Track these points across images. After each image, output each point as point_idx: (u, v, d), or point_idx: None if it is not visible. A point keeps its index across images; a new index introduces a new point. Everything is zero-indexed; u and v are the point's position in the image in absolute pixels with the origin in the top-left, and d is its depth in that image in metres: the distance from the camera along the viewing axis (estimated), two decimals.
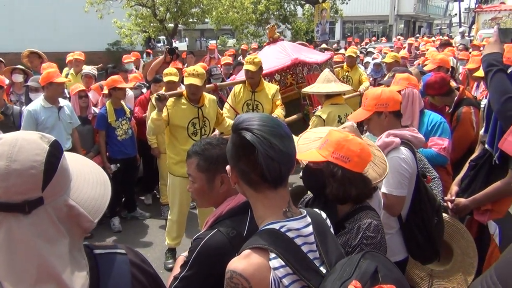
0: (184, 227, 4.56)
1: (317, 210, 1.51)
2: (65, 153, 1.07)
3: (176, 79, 4.96)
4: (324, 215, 1.51)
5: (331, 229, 1.50)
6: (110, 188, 1.15)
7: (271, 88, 5.15)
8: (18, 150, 0.96)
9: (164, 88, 5.01)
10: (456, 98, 3.92)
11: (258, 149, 1.27)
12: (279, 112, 4.90)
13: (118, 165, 5.26)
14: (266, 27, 6.56)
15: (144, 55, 9.72)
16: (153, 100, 5.01)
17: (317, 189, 2.02)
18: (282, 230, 1.31)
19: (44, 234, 0.97)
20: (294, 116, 5.41)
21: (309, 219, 1.39)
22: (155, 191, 6.40)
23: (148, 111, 5.18)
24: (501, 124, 2.46)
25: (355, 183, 1.88)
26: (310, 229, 1.36)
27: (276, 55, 5.86)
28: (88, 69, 6.69)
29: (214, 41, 35.05)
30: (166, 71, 5.09)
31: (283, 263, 1.26)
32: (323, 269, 1.33)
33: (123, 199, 5.80)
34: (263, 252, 1.28)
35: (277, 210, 1.36)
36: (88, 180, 1.12)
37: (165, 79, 4.93)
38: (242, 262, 1.28)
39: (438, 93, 3.92)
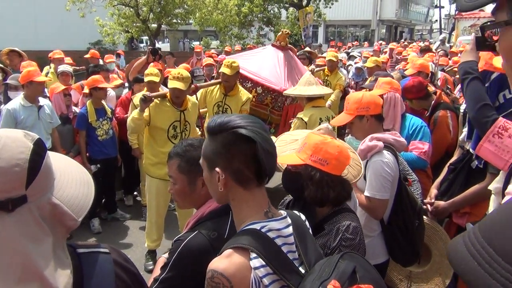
0: (162, 228, 4.54)
1: (296, 212, 1.53)
2: (49, 153, 1.06)
3: (157, 79, 4.93)
4: (303, 217, 1.53)
5: (310, 231, 1.52)
6: (93, 188, 1.15)
7: (243, 95, 5.09)
8: (2, 147, 0.95)
9: (145, 88, 4.97)
10: (433, 102, 3.99)
11: (258, 143, 1.29)
12: None
13: (99, 165, 5.20)
14: (282, 30, 6.27)
15: (115, 56, 9.60)
16: (134, 100, 4.99)
17: (296, 191, 2.04)
18: (263, 230, 1.32)
19: (27, 232, 0.96)
20: None
21: (289, 220, 1.40)
22: (135, 192, 6.35)
23: (130, 111, 5.14)
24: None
25: (333, 186, 1.89)
26: (290, 230, 1.38)
27: (274, 70, 5.63)
28: (63, 67, 6.60)
29: (197, 42, 35.01)
30: (147, 71, 5.06)
31: (264, 263, 1.27)
32: (302, 270, 1.35)
33: (103, 200, 5.73)
34: (244, 252, 1.29)
35: (260, 210, 1.37)
36: (72, 179, 1.12)
37: (146, 79, 4.90)
38: (223, 261, 1.28)
39: (415, 97, 3.99)
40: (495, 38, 1.17)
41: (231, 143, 1.32)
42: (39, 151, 0.99)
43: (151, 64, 5.87)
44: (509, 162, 1.86)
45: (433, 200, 3.02)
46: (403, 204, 2.56)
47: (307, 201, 1.94)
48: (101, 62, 8.78)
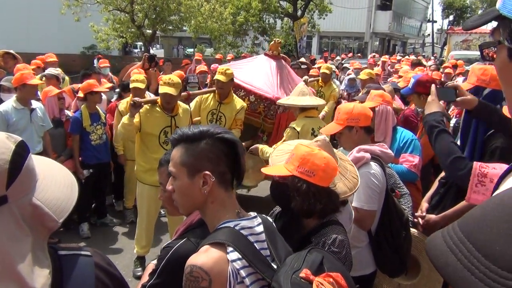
0: (152, 235, 4.53)
1: (263, 215, 1.61)
2: (33, 155, 1.08)
3: (142, 86, 4.95)
4: (270, 219, 1.62)
5: (277, 232, 1.60)
6: (77, 190, 1.16)
7: (238, 103, 5.10)
8: None
9: (131, 94, 4.99)
10: None
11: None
12: (235, 132, 4.79)
13: (91, 170, 5.18)
14: (274, 39, 6.34)
15: (95, 60, 9.55)
16: (119, 106, 5.00)
17: (283, 202, 2.05)
18: (237, 228, 1.41)
19: (7, 232, 0.97)
20: (249, 142, 5.28)
21: (259, 219, 1.50)
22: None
23: (115, 118, 5.17)
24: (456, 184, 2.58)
25: (319, 198, 1.89)
26: (261, 228, 1.47)
27: (266, 79, 5.66)
28: (49, 70, 6.59)
29: (191, 49, 35.09)
30: (133, 77, 5.08)
31: (240, 256, 1.35)
32: (274, 265, 1.43)
33: (93, 205, 5.71)
34: (221, 246, 1.36)
35: (233, 210, 1.49)
36: (55, 181, 1.13)
37: (131, 85, 4.93)
38: (202, 256, 1.35)
39: (427, 92, 4.01)
40: (492, 54, 1.22)
41: (217, 147, 1.44)
42: (21, 152, 1.01)
43: (136, 70, 5.91)
44: None
45: (424, 214, 3.04)
46: (391, 215, 2.58)
47: (294, 212, 1.96)
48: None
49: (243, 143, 5.23)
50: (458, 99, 2.48)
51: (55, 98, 5.30)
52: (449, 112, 5.48)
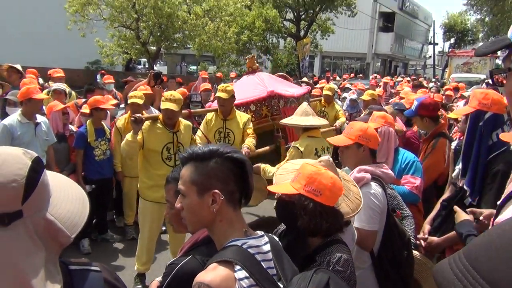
0: (153, 252, 4.52)
1: (270, 234, 1.62)
2: (47, 171, 1.11)
3: (140, 101, 5.00)
4: (276, 238, 1.63)
5: (284, 251, 1.61)
6: (88, 206, 1.19)
7: (242, 117, 5.17)
8: (2, 163, 1.00)
9: (129, 110, 5.04)
10: (434, 128, 4.08)
11: (247, 167, 1.48)
12: (250, 142, 4.83)
13: (94, 186, 5.20)
14: (246, 57, 6.62)
15: (98, 75, 9.61)
16: (117, 123, 5.04)
17: (289, 221, 2.05)
18: (244, 246, 1.42)
19: (21, 246, 1.00)
20: (267, 148, 5.44)
21: (266, 239, 1.51)
22: None
23: (113, 135, 5.22)
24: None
25: (326, 217, 1.91)
26: (268, 247, 1.48)
27: (254, 86, 5.91)
28: (57, 85, 6.66)
29: (194, 67, 35.33)
30: (131, 93, 5.14)
31: (247, 275, 1.36)
32: (280, 285, 1.44)
33: (94, 221, 5.71)
34: (229, 264, 1.37)
35: (240, 229, 1.50)
36: (68, 197, 1.16)
37: (129, 101, 4.98)
38: (209, 274, 1.36)
39: (429, 115, 4.07)
40: (502, 80, 1.28)
41: (227, 167, 1.47)
42: (36, 168, 1.04)
43: (142, 87, 5.98)
44: None
45: (426, 236, 3.04)
46: (392, 236, 2.59)
47: (300, 231, 1.96)
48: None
49: (267, 148, 5.39)
50: (481, 217, 2.53)
51: (60, 113, 5.35)
52: (451, 134, 5.52)
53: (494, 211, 2.55)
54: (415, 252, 2.86)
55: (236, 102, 5.25)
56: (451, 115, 4.47)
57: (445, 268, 0.82)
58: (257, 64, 6.43)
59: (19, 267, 0.98)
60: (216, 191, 1.44)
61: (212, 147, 1.49)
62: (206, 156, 1.47)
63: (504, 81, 1.22)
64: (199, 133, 5.21)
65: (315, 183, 1.90)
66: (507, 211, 1.17)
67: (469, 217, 2.52)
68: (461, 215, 2.54)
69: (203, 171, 1.46)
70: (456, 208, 2.67)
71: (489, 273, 0.75)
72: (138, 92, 5.16)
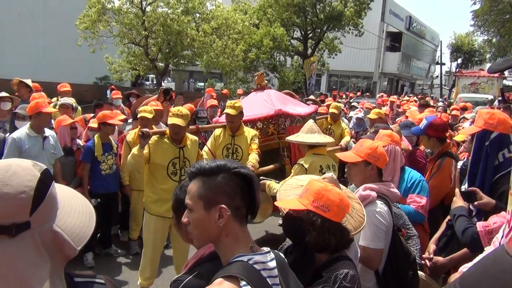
0: (157, 267, 4.49)
1: (275, 251, 1.61)
2: (55, 184, 1.12)
3: (150, 116, 5.03)
4: (282, 255, 1.61)
5: (289, 268, 1.60)
6: (94, 219, 1.20)
7: (250, 132, 5.20)
8: (11, 175, 1.01)
9: (139, 125, 5.07)
10: (440, 148, 4.07)
11: (254, 182, 1.48)
12: (253, 158, 4.81)
13: (99, 200, 5.21)
14: (255, 74, 6.66)
15: (108, 91, 9.67)
16: (127, 137, 5.07)
17: (297, 237, 2.04)
18: (250, 262, 1.41)
19: (27, 257, 1.00)
20: (271, 166, 5.45)
21: (272, 255, 1.50)
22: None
23: (123, 149, 5.24)
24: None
25: (334, 233, 1.93)
26: (273, 263, 1.46)
27: (261, 103, 5.94)
28: (64, 99, 6.74)
29: (202, 83, 35.61)
30: (141, 108, 5.18)
31: None
32: None
33: (98, 235, 5.71)
34: (234, 280, 1.35)
35: (246, 245, 1.49)
36: (75, 210, 1.17)
37: (139, 115, 5.01)
38: None
39: (437, 136, 4.06)
40: None
41: (234, 182, 1.47)
42: (45, 180, 1.06)
43: (153, 102, 6.03)
44: None
45: (431, 256, 3.02)
46: (398, 255, 2.57)
47: (308, 247, 1.96)
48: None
49: (271, 166, 5.39)
50: (476, 202, 2.83)
51: (68, 128, 5.40)
52: (457, 153, 5.50)
53: (493, 201, 2.76)
54: (420, 273, 2.83)
55: (243, 118, 5.28)
56: (457, 137, 4.47)
57: None
58: (266, 81, 6.47)
59: (24, 278, 0.99)
60: (223, 206, 1.44)
61: (220, 163, 1.49)
62: (214, 171, 1.47)
63: None
64: (205, 148, 5.23)
65: (323, 199, 1.91)
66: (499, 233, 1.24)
67: (465, 204, 2.83)
68: (458, 202, 2.83)
69: (210, 186, 1.46)
70: (457, 192, 2.93)
71: None
72: (148, 107, 5.19)
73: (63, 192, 1.19)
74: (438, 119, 4.26)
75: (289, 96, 6.95)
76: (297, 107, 6.30)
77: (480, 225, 2.41)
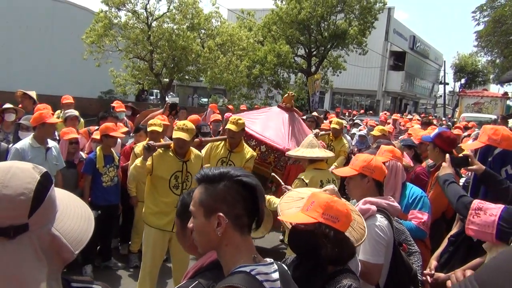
0: (156, 280, 4.45)
1: (278, 262, 1.58)
2: (55, 188, 1.12)
3: (159, 129, 5.02)
4: (285, 267, 1.58)
5: (292, 280, 1.57)
6: (93, 224, 1.20)
7: (248, 152, 5.17)
8: (11, 177, 1.01)
9: (147, 138, 5.07)
10: (442, 161, 4.06)
11: (257, 192, 1.44)
12: None
13: (99, 212, 5.20)
14: (289, 92, 6.50)
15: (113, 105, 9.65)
16: (135, 149, 5.08)
17: (307, 250, 2.00)
18: (253, 273, 1.38)
19: (25, 260, 1.00)
20: None
21: (276, 266, 1.47)
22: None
23: (131, 160, 5.24)
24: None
25: (345, 243, 1.93)
26: (276, 275, 1.43)
27: (277, 129, 5.78)
28: (70, 111, 6.78)
29: (206, 99, 35.79)
30: (150, 121, 5.18)
31: None
32: None
33: (98, 247, 5.68)
34: None
35: (249, 255, 1.46)
36: (74, 214, 1.17)
37: (149, 129, 5.00)
38: None
39: (444, 148, 4.05)
40: None
41: (235, 190, 1.44)
42: (45, 183, 1.06)
43: (160, 117, 6.04)
44: (493, 233, 2.11)
45: (433, 272, 2.99)
46: (399, 270, 2.55)
47: (321, 260, 1.93)
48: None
49: None
50: (469, 167, 2.96)
51: (67, 142, 5.38)
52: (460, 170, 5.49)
53: (483, 167, 2.87)
54: None
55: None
56: (463, 146, 4.50)
57: None
58: (293, 103, 6.34)
59: (21, 280, 0.99)
60: (221, 214, 1.42)
61: (223, 170, 1.48)
62: (216, 178, 1.46)
63: None
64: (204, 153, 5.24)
65: (333, 210, 1.92)
66: None
67: (452, 171, 2.95)
68: (447, 168, 2.95)
69: (211, 193, 1.45)
70: (447, 157, 3.04)
71: None
72: (157, 120, 5.20)
73: (62, 196, 1.19)
74: (450, 132, 4.28)
75: (294, 112, 6.86)
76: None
77: (477, 200, 2.42)
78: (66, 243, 1.08)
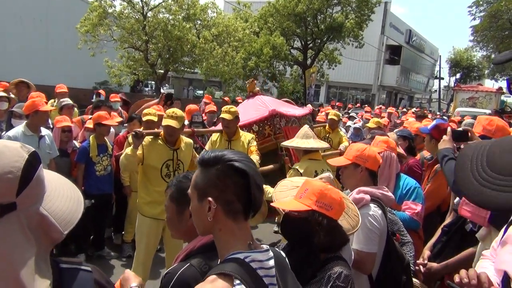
0: (149, 269, 4.44)
1: (276, 249, 1.55)
2: (44, 170, 1.11)
3: (155, 119, 5.01)
4: (283, 254, 1.55)
5: (289, 268, 1.54)
6: (82, 206, 1.20)
7: (247, 136, 5.19)
8: None
9: (142, 127, 5.05)
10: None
11: (250, 176, 1.38)
12: (254, 158, 4.75)
13: (93, 201, 5.17)
14: (247, 81, 6.66)
15: (94, 95, 9.42)
16: (129, 138, 5.06)
17: (299, 238, 2.00)
18: (247, 260, 1.35)
19: (13, 239, 0.99)
20: (271, 166, 5.41)
21: (271, 254, 1.43)
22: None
23: (124, 149, 5.21)
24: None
25: (338, 231, 1.93)
26: (272, 262, 1.40)
27: (255, 107, 5.95)
28: (66, 100, 6.73)
29: (201, 91, 35.69)
30: (146, 111, 5.16)
31: None
32: None
33: (91, 237, 5.66)
34: (228, 278, 1.31)
35: (244, 242, 1.41)
36: (63, 195, 1.16)
37: (144, 118, 4.98)
38: (207, 286, 1.30)
39: (439, 139, 4.07)
40: None
41: (226, 175, 1.39)
42: (33, 162, 1.04)
43: (155, 107, 6.02)
44: (486, 217, 2.11)
45: (425, 262, 3.00)
46: (392, 260, 2.55)
47: (313, 247, 1.92)
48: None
49: (271, 166, 5.36)
50: (469, 142, 2.85)
51: (60, 130, 5.35)
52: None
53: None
54: (414, 280, 2.81)
55: (239, 124, 5.27)
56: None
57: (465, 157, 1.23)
58: (258, 88, 6.46)
59: (9, 259, 0.97)
60: (210, 199, 1.39)
61: (218, 153, 1.43)
62: (210, 162, 1.42)
63: None
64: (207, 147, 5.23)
65: (326, 198, 1.92)
66: None
67: (452, 146, 2.88)
68: (447, 143, 2.88)
69: (204, 177, 1.42)
70: (448, 131, 2.97)
71: (493, 163, 1.14)
72: (152, 110, 5.17)
73: (52, 177, 1.18)
74: (446, 124, 4.28)
75: (287, 103, 6.95)
76: (291, 109, 6.32)
77: None
78: (54, 223, 1.07)
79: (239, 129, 5.25)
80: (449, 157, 2.74)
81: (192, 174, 1.97)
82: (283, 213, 2.09)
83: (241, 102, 12.98)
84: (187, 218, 1.87)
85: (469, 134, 2.88)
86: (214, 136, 5.33)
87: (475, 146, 1.23)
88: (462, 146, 2.91)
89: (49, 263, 1.08)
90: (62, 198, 1.15)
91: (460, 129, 3.06)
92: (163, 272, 4.81)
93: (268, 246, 1.47)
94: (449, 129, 3.06)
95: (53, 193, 1.13)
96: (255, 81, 6.68)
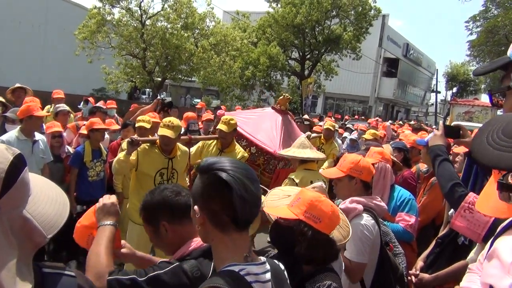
0: None
1: (275, 261, 1.50)
2: (30, 173, 1.09)
3: (148, 126, 4.98)
4: (282, 266, 1.50)
5: (288, 281, 1.50)
6: (68, 209, 1.16)
7: (239, 152, 5.11)
8: None
9: (136, 134, 5.03)
10: None
11: (234, 189, 1.29)
12: None
13: (84, 207, 5.12)
14: (284, 94, 6.46)
15: (82, 102, 9.32)
16: (122, 145, 5.04)
17: (284, 246, 1.99)
18: (242, 273, 1.30)
19: None
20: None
21: (268, 266, 1.38)
22: None
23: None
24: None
25: (322, 245, 1.88)
26: (268, 276, 1.35)
27: (269, 131, 5.73)
28: (62, 106, 6.70)
29: (199, 100, 35.78)
30: (139, 117, 5.14)
31: None
32: None
33: None
34: None
35: (239, 253, 1.35)
36: (48, 198, 1.14)
37: (137, 124, 4.96)
38: None
39: None
40: (500, 102, 1.49)
41: (211, 185, 1.33)
42: (18, 164, 1.02)
43: (151, 114, 5.99)
44: (482, 234, 1.99)
45: (418, 272, 2.97)
46: (385, 270, 2.53)
47: (297, 257, 1.90)
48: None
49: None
50: (461, 139, 2.67)
51: (50, 136, 5.30)
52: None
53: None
54: None
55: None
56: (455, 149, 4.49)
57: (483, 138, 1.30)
58: (287, 106, 6.29)
59: None
60: (196, 207, 1.35)
61: (212, 161, 1.37)
62: (203, 169, 1.36)
63: (501, 102, 1.41)
64: (200, 144, 5.22)
65: (316, 210, 1.87)
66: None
67: (444, 142, 2.63)
68: (439, 139, 2.61)
69: (196, 184, 1.38)
70: (441, 125, 2.75)
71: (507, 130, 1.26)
72: (146, 117, 5.14)
73: (37, 180, 1.16)
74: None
75: (288, 115, 6.80)
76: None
77: (472, 194, 2.26)
78: (38, 227, 1.05)
79: (241, 137, 5.20)
80: (443, 157, 2.57)
81: (156, 188, 1.97)
82: (273, 220, 2.07)
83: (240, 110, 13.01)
84: (164, 234, 1.86)
85: (461, 131, 2.72)
86: (212, 141, 5.29)
87: (500, 117, 1.37)
88: (452, 145, 2.78)
89: (32, 267, 1.06)
90: (47, 202, 1.13)
91: (453, 124, 3.01)
92: None
93: (265, 259, 1.42)
94: (441, 122, 2.95)
95: (38, 196, 1.11)
96: (289, 98, 6.50)
